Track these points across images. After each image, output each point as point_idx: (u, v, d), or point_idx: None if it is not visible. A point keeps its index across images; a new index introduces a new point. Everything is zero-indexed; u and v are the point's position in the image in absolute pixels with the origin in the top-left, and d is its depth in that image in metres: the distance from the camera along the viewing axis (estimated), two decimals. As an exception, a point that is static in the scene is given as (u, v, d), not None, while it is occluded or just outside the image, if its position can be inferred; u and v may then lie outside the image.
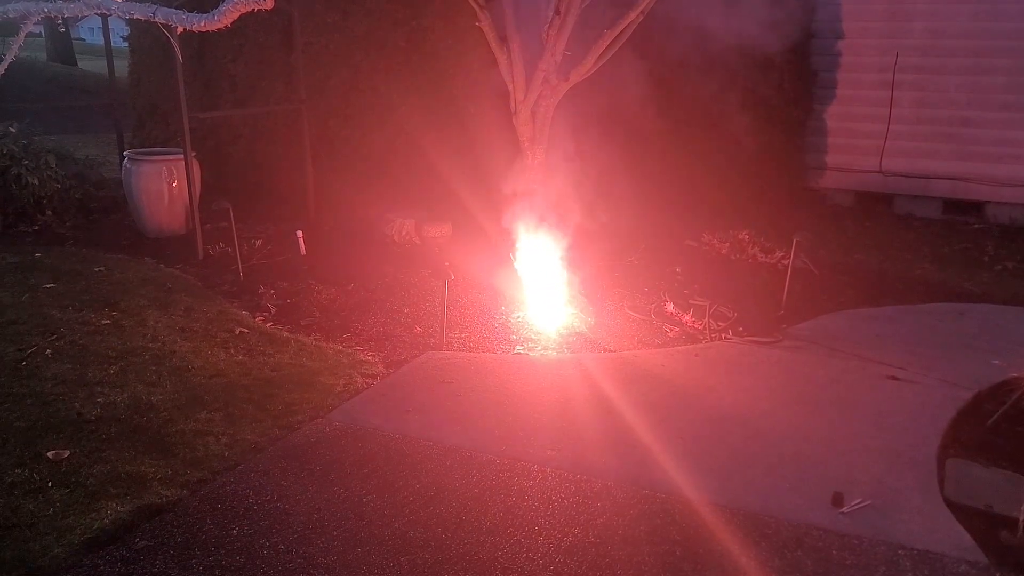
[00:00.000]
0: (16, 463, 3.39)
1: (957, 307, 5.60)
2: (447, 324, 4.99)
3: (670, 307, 5.38)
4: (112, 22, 8.21)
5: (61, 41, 24.67)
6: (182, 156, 6.67)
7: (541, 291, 5.46)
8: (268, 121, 8.10)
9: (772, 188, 8.14)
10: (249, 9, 5.23)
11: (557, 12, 5.09)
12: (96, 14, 6.30)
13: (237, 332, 4.92)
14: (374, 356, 4.72)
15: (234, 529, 3.00)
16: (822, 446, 3.66)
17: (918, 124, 8.14)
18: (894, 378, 4.35)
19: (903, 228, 7.80)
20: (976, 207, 8.05)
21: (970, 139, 7.94)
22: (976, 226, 7.85)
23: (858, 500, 3.19)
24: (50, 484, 3.26)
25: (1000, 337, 5.01)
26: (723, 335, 5.04)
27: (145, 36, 8.71)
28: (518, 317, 5.31)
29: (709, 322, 5.08)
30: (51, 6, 5.89)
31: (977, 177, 7.94)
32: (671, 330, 5.13)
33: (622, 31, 5.21)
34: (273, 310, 5.37)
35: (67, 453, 3.48)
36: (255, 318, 5.25)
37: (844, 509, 3.14)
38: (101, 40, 8.77)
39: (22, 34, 5.73)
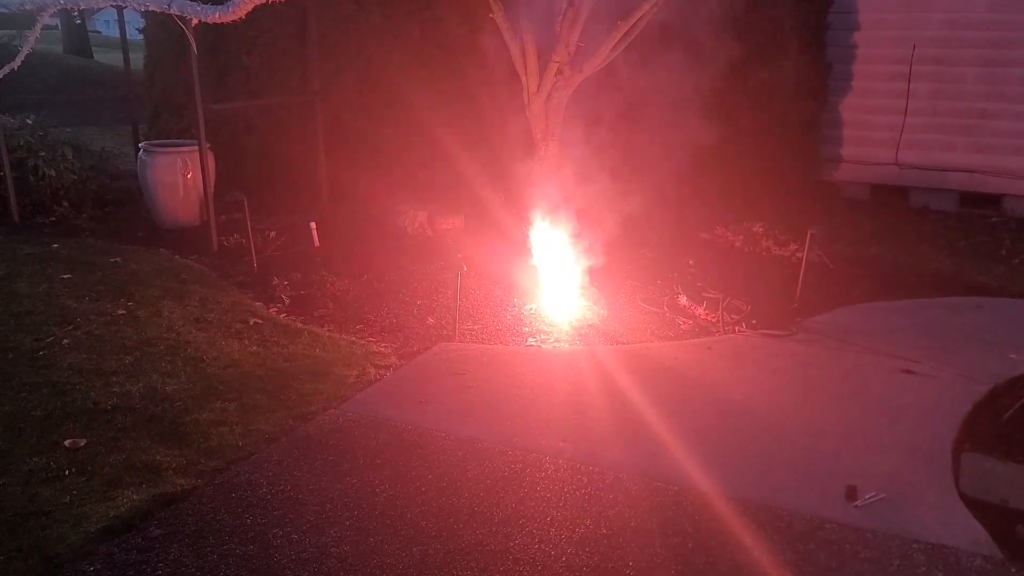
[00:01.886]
0: (33, 452, 3.43)
1: (973, 300, 5.56)
2: (460, 316, 4.99)
3: (683, 300, 5.36)
4: (127, 15, 8.22)
5: (77, 33, 24.79)
6: (197, 148, 6.70)
7: (554, 283, 5.46)
8: (282, 113, 8.11)
9: (786, 181, 8.08)
10: (263, 1, 5.23)
11: (571, 4, 5.07)
12: (112, 6, 6.31)
13: (251, 323, 4.94)
14: (387, 347, 4.74)
15: (248, 518, 3.02)
16: (836, 439, 3.64)
17: (935, 116, 8.07)
18: (909, 372, 4.33)
19: (919, 221, 7.74)
20: (993, 200, 7.97)
21: (988, 131, 7.86)
22: (993, 219, 7.78)
23: (872, 494, 3.17)
24: (67, 473, 3.29)
25: (1017, 331, 4.98)
26: (736, 328, 5.02)
27: (160, 29, 8.73)
28: (531, 309, 5.31)
29: (722, 315, 5.07)
30: (67, -2, 5.91)
31: (994, 170, 7.87)
32: (684, 323, 5.12)
33: (636, 23, 5.18)
34: (287, 301, 5.40)
35: (83, 442, 3.51)
36: (269, 309, 5.28)
37: (858, 503, 3.13)
38: (117, 33, 8.80)
39: (38, 26, 5.75)
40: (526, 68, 5.32)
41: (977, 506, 3.16)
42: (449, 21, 7.26)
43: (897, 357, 4.51)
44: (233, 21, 5.38)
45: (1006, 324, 5.11)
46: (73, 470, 3.31)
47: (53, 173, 7.39)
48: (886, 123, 8.24)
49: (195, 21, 5.67)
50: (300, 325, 5.01)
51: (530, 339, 4.90)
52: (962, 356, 4.52)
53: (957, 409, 3.91)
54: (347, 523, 3.00)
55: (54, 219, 7.37)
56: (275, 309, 5.29)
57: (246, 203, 6.21)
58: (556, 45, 5.18)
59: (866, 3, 8.17)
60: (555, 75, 5.26)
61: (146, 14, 8.47)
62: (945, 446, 3.57)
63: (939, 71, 7.96)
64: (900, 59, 8.04)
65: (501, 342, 4.87)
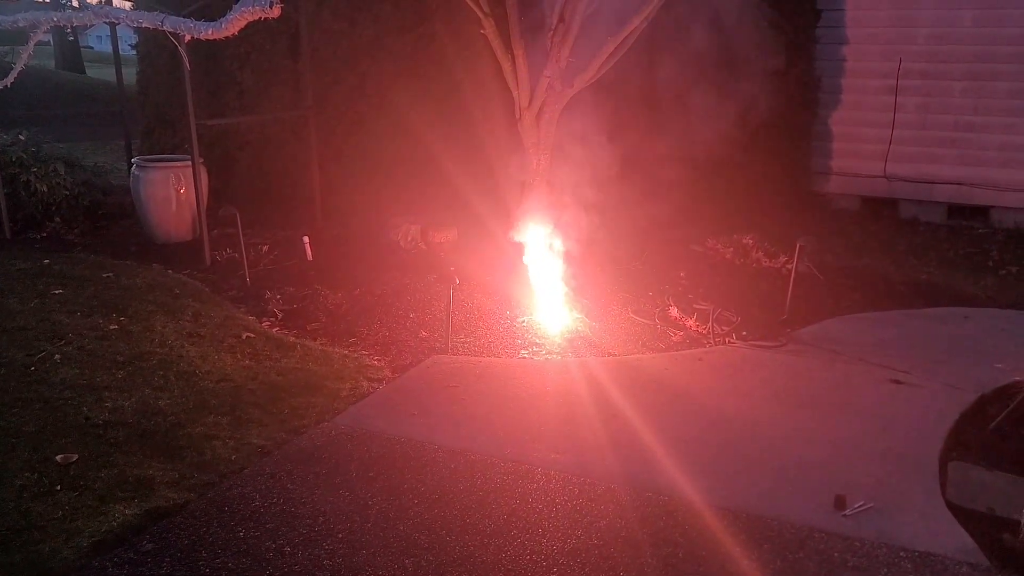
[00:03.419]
0: (25, 467, 3.42)
1: (961, 311, 5.60)
2: (452, 329, 5.01)
3: (674, 311, 5.39)
4: (120, 30, 8.27)
5: (70, 49, 24.88)
6: (190, 163, 6.72)
7: (546, 296, 5.49)
8: (275, 128, 8.15)
9: (777, 193, 8.15)
10: (256, 18, 5.28)
11: (561, 19, 5.13)
12: (105, 23, 6.37)
13: (244, 337, 4.95)
14: (380, 360, 4.76)
15: (241, 531, 3.03)
16: (825, 449, 3.67)
17: (923, 129, 8.15)
18: (897, 382, 4.36)
19: (908, 233, 7.79)
20: (981, 212, 8.05)
21: (975, 144, 7.94)
22: (981, 231, 7.85)
23: (860, 503, 3.20)
24: (59, 488, 3.29)
25: (1004, 341, 5.02)
26: (727, 339, 5.05)
27: (153, 44, 8.78)
28: (523, 321, 5.33)
29: (713, 326, 5.10)
30: (61, 15, 5.96)
31: (982, 182, 7.94)
32: (675, 334, 5.15)
33: (626, 38, 5.24)
34: (280, 315, 5.41)
35: (75, 457, 3.51)
36: (262, 323, 5.29)
37: (846, 512, 3.15)
38: (109, 48, 8.84)
39: (32, 43, 5.80)
40: (517, 83, 5.37)
41: (964, 514, 3.18)
42: (441, 36, 7.32)
43: (886, 367, 4.54)
44: (226, 37, 5.44)
45: (993, 335, 5.15)
46: (65, 485, 3.31)
47: (45, 189, 7.39)
48: (875, 136, 8.32)
49: (188, 37, 5.73)
50: (293, 339, 5.02)
51: (522, 351, 4.92)
52: (950, 366, 4.56)
53: (945, 418, 3.94)
54: (340, 535, 3.01)
55: (46, 234, 7.37)
56: (268, 323, 5.30)
57: (239, 218, 6.23)
58: (547, 60, 5.24)
59: (854, 18, 8.26)
60: (546, 89, 5.31)
61: (139, 30, 8.52)
62: (932, 455, 3.60)
63: (926, 85, 8.05)
64: (888, 73, 8.13)
65: (493, 354, 4.89)
